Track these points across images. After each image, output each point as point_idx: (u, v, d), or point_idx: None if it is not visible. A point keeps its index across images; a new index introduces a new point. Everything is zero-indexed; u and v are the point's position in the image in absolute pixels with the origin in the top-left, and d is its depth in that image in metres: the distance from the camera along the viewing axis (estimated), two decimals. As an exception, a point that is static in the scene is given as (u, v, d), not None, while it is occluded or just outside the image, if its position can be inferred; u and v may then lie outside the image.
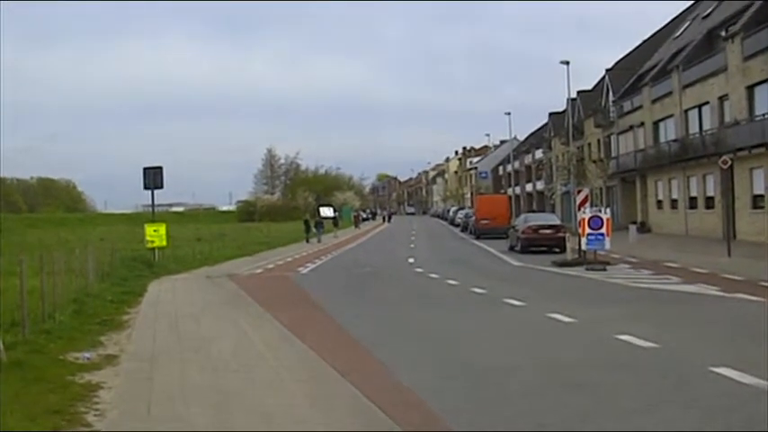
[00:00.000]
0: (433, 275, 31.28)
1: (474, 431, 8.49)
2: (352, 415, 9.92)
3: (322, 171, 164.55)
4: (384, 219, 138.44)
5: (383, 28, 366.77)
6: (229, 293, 26.39)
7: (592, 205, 38.53)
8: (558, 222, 47.42)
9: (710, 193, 52.19)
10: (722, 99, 49.49)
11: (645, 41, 77.14)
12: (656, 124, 62.23)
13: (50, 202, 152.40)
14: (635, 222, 59.06)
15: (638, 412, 9.46)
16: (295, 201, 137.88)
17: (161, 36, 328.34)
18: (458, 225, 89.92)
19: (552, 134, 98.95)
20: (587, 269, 30.98)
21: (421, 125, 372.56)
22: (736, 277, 26.31)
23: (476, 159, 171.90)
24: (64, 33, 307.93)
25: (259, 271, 36.18)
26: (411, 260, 41.26)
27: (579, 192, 38.24)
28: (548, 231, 44.46)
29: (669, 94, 58.33)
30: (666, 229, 59.64)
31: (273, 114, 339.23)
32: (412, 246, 56.95)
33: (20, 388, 10.92)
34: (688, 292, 23.33)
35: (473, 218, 72.76)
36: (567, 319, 17.42)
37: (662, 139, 60.62)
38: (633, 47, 78.96)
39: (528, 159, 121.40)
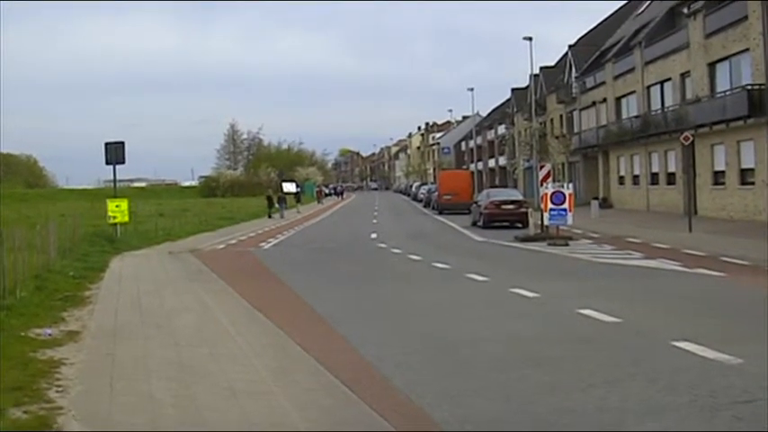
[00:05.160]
0: (396, 251, 31.31)
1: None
2: (315, 390, 9.91)
3: (284, 146, 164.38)
4: (339, 195, 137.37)
5: (345, 2, 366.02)
6: (192, 269, 26.29)
7: (554, 181, 38.65)
8: (520, 198, 47.50)
9: (672, 169, 52.48)
10: (684, 76, 49.69)
11: (608, 18, 77.40)
12: (618, 100, 62.44)
13: (11, 177, 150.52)
14: (597, 198, 59.34)
15: (601, 386, 9.51)
16: (257, 176, 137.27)
17: (124, 9, 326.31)
18: (420, 200, 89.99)
19: (515, 110, 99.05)
20: (549, 244, 31.08)
21: (384, 100, 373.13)
22: (697, 252, 26.50)
23: (438, 135, 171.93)
24: (24, 7, 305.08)
25: (222, 246, 36.08)
26: (374, 235, 41.26)
27: (542, 167, 38.36)
28: (510, 207, 44.55)
29: (631, 70, 58.52)
30: (628, 204, 59.97)
31: (236, 89, 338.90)
32: (375, 221, 56.93)
33: (-20, 364, 10.84)
34: (650, 267, 23.47)
35: (436, 193, 72.75)
36: (529, 294, 17.49)
37: (624, 116, 60.84)
38: (596, 23, 79.30)
39: (490, 135, 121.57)
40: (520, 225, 40.97)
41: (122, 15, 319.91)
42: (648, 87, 55.74)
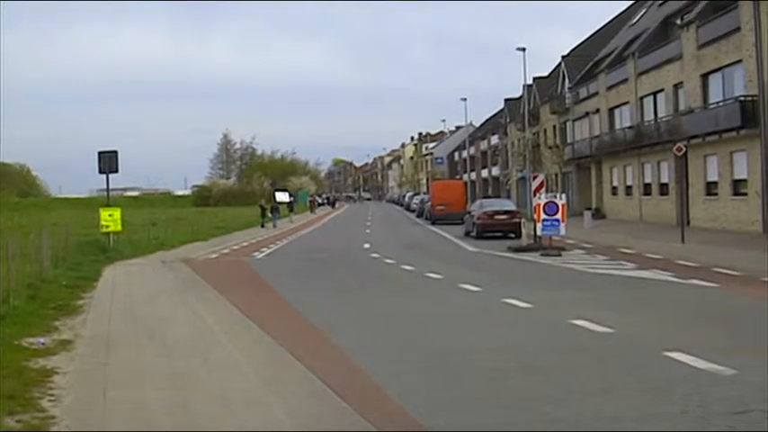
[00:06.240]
0: (389, 261, 31.29)
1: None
2: (308, 399, 9.92)
3: (278, 156, 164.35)
4: (331, 205, 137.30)
5: (340, 11, 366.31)
6: (185, 278, 26.28)
7: (547, 191, 38.64)
8: (513, 208, 47.51)
9: (665, 179, 52.51)
10: (677, 87, 49.74)
11: (601, 29, 77.47)
12: (611, 111, 62.50)
13: (3, 186, 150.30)
14: (590, 208, 59.34)
15: (593, 395, 9.52)
16: (251, 185, 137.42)
17: (117, 18, 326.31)
18: (413, 211, 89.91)
19: (508, 120, 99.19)
20: (542, 255, 31.09)
21: (377, 110, 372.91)
22: (689, 263, 26.51)
23: (432, 145, 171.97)
24: (18, 15, 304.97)
25: (214, 256, 36.05)
26: (367, 245, 41.24)
27: (535, 177, 38.36)
28: (503, 217, 44.56)
29: (624, 81, 58.58)
30: (621, 215, 59.99)
31: (230, 98, 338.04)
32: (368, 231, 56.91)
33: (-27, 373, 10.82)
34: (642, 277, 23.49)
35: (429, 203, 72.69)
36: (522, 304, 17.49)
37: (617, 126, 60.87)
38: (589, 34, 79.34)
39: (484, 145, 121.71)
40: (513, 235, 40.98)
41: (116, 24, 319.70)
42: (641, 98, 55.78)
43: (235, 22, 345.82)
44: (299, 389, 10.47)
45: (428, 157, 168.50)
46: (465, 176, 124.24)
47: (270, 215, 66.96)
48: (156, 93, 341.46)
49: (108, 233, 36.91)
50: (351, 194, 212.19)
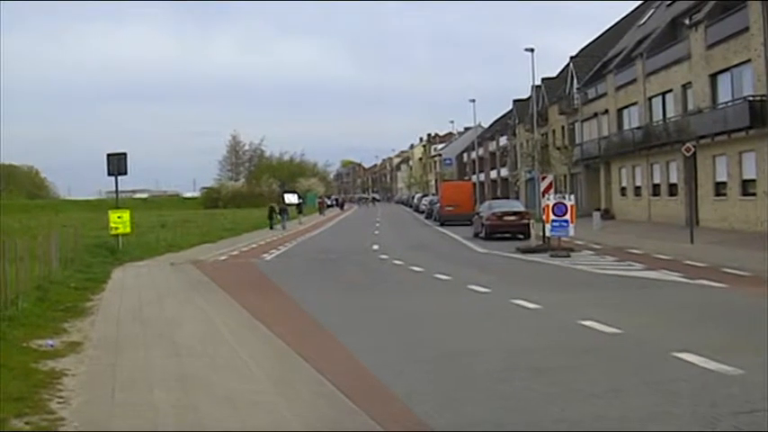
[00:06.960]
0: (398, 262, 31.29)
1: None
2: (316, 399, 9.94)
3: (286, 157, 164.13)
4: (340, 207, 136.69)
5: (343, 11, 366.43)
6: (194, 280, 26.30)
7: (556, 192, 38.64)
8: (522, 209, 47.49)
9: (674, 180, 52.44)
10: (685, 87, 49.67)
11: (609, 29, 77.45)
12: (620, 111, 62.43)
13: (12, 188, 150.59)
14: (599, 209, 59.21)
15: (601, 396, 9.52)
16: (260, 187, 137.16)
17: (123, 20, 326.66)
18: (422, 212, 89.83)
19: (517, 121, 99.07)
20: (551, 256, 31.06)
21: (384, 111, 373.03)
22: (698, 264, 26.47)
23: (440, 146, 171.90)
24: (23, 17, 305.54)
25: (224, 257, 36.07)
26: (375, 247, 41.24)
27: (543, 178, 38.32)
28: (512, 218, 44.54)
29: (633, 81, 58.51)
30: (630, 215, 59.89)
31: (238, 99, 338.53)
32: (376, 232, 56.88)
33: (-18, 374, 10.84)
34: (651, 278, 23.46)
35: (438, 205, 72.56)
36: (531, 305, 17.48)
37: (626, 127, 60.79)
38: (598, 34, 79.33)
39: (492, 146, 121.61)
40: (522, 236, 40.96)
41: (122, 25, 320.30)
42: (650, 98, 55.70)
43: (237, 23, 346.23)
44: (307, 389, 10.49)
45: (437, 159, 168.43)
46: (474, 177, 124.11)
47: (279, 217, 66.97)
48: (164, 94, 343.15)
49: (117, 235, 36.95)
50: (363, 195, 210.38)
